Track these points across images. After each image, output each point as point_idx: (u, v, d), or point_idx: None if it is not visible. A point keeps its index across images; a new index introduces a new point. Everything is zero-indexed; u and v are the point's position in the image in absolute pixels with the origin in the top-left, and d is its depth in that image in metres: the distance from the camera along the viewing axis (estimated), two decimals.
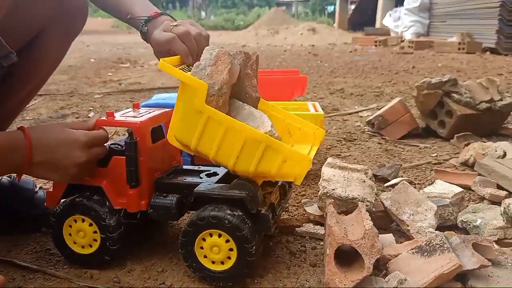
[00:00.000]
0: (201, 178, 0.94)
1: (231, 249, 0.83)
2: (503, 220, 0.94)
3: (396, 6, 9.63)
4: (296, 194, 1.30)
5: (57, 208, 0.91)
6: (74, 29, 1.07)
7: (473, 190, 1.29)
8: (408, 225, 0.99)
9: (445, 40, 6.40)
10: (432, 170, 1.52)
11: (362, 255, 0.78)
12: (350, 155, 1.73)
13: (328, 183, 1.06)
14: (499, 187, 1.26)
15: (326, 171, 1.12)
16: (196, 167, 1.01)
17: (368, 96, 3.06)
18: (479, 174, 1.37)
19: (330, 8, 21.59)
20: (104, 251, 0.90)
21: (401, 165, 1.51)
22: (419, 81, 1.95)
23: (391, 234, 0.96)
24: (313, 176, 1.45)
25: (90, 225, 0.89)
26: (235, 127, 0.80)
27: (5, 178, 1.11)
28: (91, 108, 2.60)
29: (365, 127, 2.16)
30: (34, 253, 0.98)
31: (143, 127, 0.89)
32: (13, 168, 0.83)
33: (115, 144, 0.94)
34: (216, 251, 0.83)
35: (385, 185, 1.37)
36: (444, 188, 1.14)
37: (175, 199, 0.88)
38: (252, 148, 0.80)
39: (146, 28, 1.04)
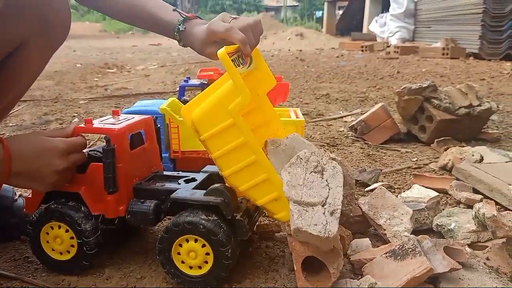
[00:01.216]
0: (179, 184, 0.95)
1: (207, 254, 0.84)
2: (475, 224, 0.96)
3: (382, 12, 9.75)
4: None
5: (33, 215, 0.91)
6: (55, 42, 1.07)
7: (449, 194, 1.31)
8: (384, 229, 1.01)
9: (429, 46, 6.49)
10: (411, 174, 1.55)
11: (326, 263, 0.79)
12: None
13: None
14: (475, 191, 1.29)
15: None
16: (175, 173, 1.02)
17: (353, 101, 3.10)
18: (457, 179, 1.39)
19: (318, 14, 21.75)
20: (82, 257, 0.90)
21: (381, 170, 1.53)
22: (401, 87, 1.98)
23: (367, 239, 0.98)
24: None
25: (67, 231, 0.90)
26: (251, 145, 0.82)
27: None
28: (75, 114, 2.59)
29: (348, 132, 2.19)
30: (13, 261, 0.98)
31: (121, 134, 0.90)
32: None
33: (94, 150, 0.95)
34: (193, 256, 0.85)
35: (366, 189, 1.39)
36: (421, 193, 1.16)
37: (153, 205, 0.89)
38: (255, 172, 0.83)
39: (184, 26, 1.02)
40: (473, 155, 1.51)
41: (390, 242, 0.99)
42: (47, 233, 0.91)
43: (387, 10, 8.85)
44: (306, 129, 2.23)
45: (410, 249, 0.82)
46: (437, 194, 1.15)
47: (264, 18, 13.14)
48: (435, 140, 1.87)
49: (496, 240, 0.94)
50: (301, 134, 1.36)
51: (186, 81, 1.64)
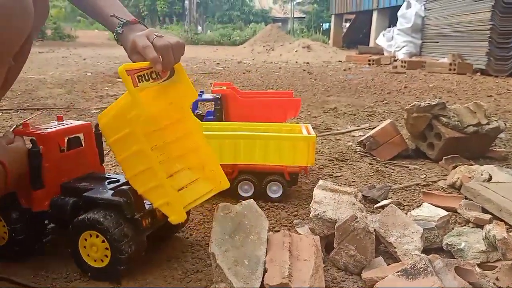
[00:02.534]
0: (103, 184, 1.02)
1: (106, 248, 0.93)
2: (485, 245, 0.98)
3: (390, 26, 9.81)
4: (289, 214, 1.34)
5: None
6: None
7: (458, 213, 1.33)
8: (395, 247, 1.03)
9: (436, 61, 6.52)
10: (420, 192, 1.57)
11: None
12: (341, 175, 1.77)
13: (319, 206, 1.10)
14: (484, 210, 1.31)
15: (317, 193, 1.16)
16: (107, 175, 1.11)
17: (360, 115, 3.12)
18: (466, 197, 1.41)
19: (325, 26, 21.86)
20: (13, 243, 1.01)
21: (390, 186, 1.56)
22: (410, 102, 2.01)
23: (380, 257, 1.00)
24: (305, 196, 1.49)
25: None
26: (146, 153, 0.92)
27: None
28: None
29: (356, 147, 2.21)
30: (32, 270, 1.01)
31: (50, 138, 1.00)
32: None
33: None
34: (95, 250, 0.95)
35: (375, 206, 1.41)
36: (431, 211, 1.18)
37: (71, 201, 0.98)
38: (150, 178, 0.92)
39: (122, 30, 1.10)
40: (481, 174, 1.53)
41: (400, 260, 1.01)
42: None
43: (394, 25, 8.91)
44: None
45: (422, 269, 0.84)
46: (447, 213, 1.17)
47: (272, 29, 13.22)
48: (443, 157, 1.89)
49: (506, 261, 0.96)
50: (312, 151, 1.39)
51: (200, 95, 1.68)
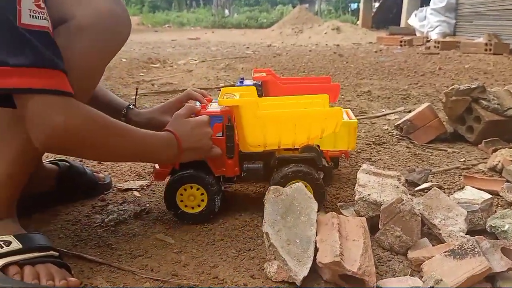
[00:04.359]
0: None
1: (202, 194, 1.18)
2: None
3: (422, 6, 9.54)
4: (331, 197, 1.38)
5: (170, 181, 1.20)
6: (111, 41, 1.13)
7: (501, 196, 1.35)
8: (439, 229, 1.07)
9: (471, 41, 6.34)
10: (461, 175, 1.58)
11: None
12: (380, 159, 1.80)
13: (364, 189, 1.14)
14: None
15: (361, 177, 1.20)
16: None
17: (395, 98, 3.11)
18: (507, 180, 1.42)
19: (353, 6, 21.42)
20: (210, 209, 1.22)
21: (430, 170, 1.58)
22: (446, 84, 2.01)
23: (425, 238, 1.04)
24: (345, 179, 1.53)
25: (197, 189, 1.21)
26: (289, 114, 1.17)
27: (62, 163, 1.38)
28: None
29: (393, 130, 2.22)
30: (98, 247, 1.09)
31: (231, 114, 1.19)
32: (171, 158, 1.09)
33: None
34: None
35: (415, 189, 1.44)
36: (474, 194, 1.21)
37: (261, 164, 1.23)
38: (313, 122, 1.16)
39: (132, 107, 1.39)
40: None
41: (445, 241, 1.04)
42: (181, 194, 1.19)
43: (427, 4, 8.67)
44: None
45: (469, 249, 0.87)
46: (490, 196, 1.19)
47: (300, 11, 13.07)
48: (483, 140, 1.89)
49: None
50: (353, 135, 1.43)
51: (241, 81, 1.72)
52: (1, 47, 0.78)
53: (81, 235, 1.15)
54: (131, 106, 1.39)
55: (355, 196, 1.14)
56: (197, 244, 1.10)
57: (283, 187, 1.12)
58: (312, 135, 1.19)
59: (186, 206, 1.20)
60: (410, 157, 1.83)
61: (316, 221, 1.00)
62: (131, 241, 1.12)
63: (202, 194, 1.19)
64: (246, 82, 1.74)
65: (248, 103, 1.13)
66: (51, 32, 0.84)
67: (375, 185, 1.16)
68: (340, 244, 0.90)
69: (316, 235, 0.96)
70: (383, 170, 1.25)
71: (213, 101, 1.34)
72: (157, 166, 1.21)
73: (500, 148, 1.81)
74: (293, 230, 0.96)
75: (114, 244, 1.10)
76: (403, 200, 1.00)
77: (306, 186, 1.15)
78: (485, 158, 1.78)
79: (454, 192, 1.43)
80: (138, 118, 1.38)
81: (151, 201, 1.36)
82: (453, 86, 1.97)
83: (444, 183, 1.52)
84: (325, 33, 10.12)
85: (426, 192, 1.42)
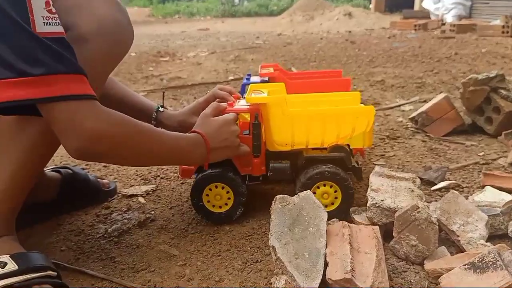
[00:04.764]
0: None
1: (336, 191, 1.15)
2: None
3: None
4: None
5: (196, 179, 1.18)
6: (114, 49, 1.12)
7: None
8: (458, 236, 1.00)
9: (488, 23, 6.14)
10: (480, 171, 1.51)
11: None
12: (394, 155, 1.73)
13: (376, 194, 1.08)
14: None
15: (374, 180, 1.14)
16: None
17: (409, 87, 3.01)
18: None
19: None
20: (236, 208, 1.21)
21: (447, 167, 1.50)
22: (462, 71, 1.92)
23: (443, 247, 0.97)
24: None
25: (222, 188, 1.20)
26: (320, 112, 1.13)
27: (64, 170, 1.34)
28: None
29: (407, 122, 2.14)
30: (100, 261, 1.06)
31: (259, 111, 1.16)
32: (200, 159, 1.09)
33: None
34: (326, 196, 1.15)
35: (432, 188, 1.37)
36: (494, 196, 1.14)
37: (288, 164, 1.19)
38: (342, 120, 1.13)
39: (162, 110, 1.37)
40: None
41: (464, 249, 0.98)
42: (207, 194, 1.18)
43: None
44: None
45: (490, 262, 0.81)
46: None
47: None
48: (503, 132, 1.80)
49: None
50: (370, 133, 1.34)
51: (247, 78, 1.66)
52: (21, 57, 0.76)
53: (84, 247, 1.12)
54: (161, 109, 1.37)
55: (367, 202, 1.08)
56: (203, 256, 1.06)
57: (310, 189, 1.12)
58: (342, 135, 1.14)
59: (212, 205, 1.19)
60: (426, 152, 1.75)
61: (326, 231, 0.94)
62: (134, 253, 1.08)
63: (228, 192, 1.18)
64: (253, 78, 1.68)
65: (276, 101, 1.10)
66: (65, 36, 0.83)
67: (388, 189, 1.10)
68: (351, 258, 0.84)
69: (326, 246, 0.91)
70: (397, 172, 1.18)
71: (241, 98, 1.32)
72: None
73: None
74: (302, 242, 0.90)
75: (117, 257, 1.06)
76: (418, 207, 0.93)
77: (331, 187, 1.14)
78: (505, 152, 1.69)
79: (473, 190, 1.36)
80: (169, 121, 1.36)
81: (156, 208, 1.32)
82: (470, 76, 1.88)
83: (463, 181, 1.44)
84: (337, 19, 9.94)
85: (444, 191, 1.36)
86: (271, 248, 0.90)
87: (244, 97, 1.30)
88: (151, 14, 19.24)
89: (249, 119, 1.20)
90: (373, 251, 0.88)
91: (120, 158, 0.97)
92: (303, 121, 1.12)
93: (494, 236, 1.06)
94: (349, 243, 0.89)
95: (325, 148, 1.21)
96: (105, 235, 1.17)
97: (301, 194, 0.99)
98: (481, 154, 1.69)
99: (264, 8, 17.71)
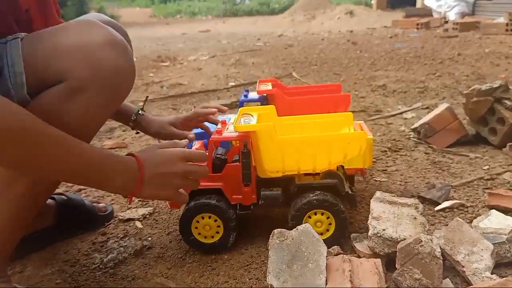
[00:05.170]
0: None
1: (328, 217, 1.12)
2: None
3: None
4: None
5: (185, 210, 1.15)
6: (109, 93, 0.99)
7: None
8: (463, 266, 0.97)
9: (492, 21, 6.08)
10: (485, 188, 1.47)
11: None
12: (396, 170, 1.69)
13: (378, 222, 1.04)
14: None
15: (375, 207, 1.10)
16: None
17: (411, 93, 2.97)
18: None
19: None
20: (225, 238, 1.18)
21: (451, 186, 1.47)
22: (466, 73, 1.88)
23: (448, 279, 0.94)
24: (359, 197, 1.43)
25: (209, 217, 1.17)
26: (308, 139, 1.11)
27: (59, 197, 1.30)
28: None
29: (410, 132, 2.11)
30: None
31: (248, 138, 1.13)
32: (125, 189, 0.87)
33: (218, 155, 1.16)
34: (319, 225, 1.12)
35: (436, 209, 1.34)
36: (500, 222, 1.10)
37: (280, 191, 1.16)
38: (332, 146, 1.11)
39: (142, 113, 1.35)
40: None
41: (469, 280, 0.95)
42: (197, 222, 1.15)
43: None
44: None
45: None
46: None
47: None
48: (508, 144, 1.76)
49: None
50: (370, 152, 1.31)
51: (245, 95, 1.63)
52: None
53: (79, 280, 1.09)
54: (141, 112, 1.34)
55: (368, 230, 1.05)
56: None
57: (302, 219, 1.10)
58: (334, 160, 1.12)
59: (204, 236, 1.17)
60: (429, 166, 1.71)
61: (326, 265, 0.91)
62: (130, 287, 1.05)
63: (216, 221, 1.15)
64: (251, 95, 1.65)
65: (264, 128, 1.07)
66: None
67: (390, 216, 1.07)
68: None
69: (326, 283, 0.88)
70: (399, 198, 1.15)
71: (228, 122, 1.27)
72: None
73: None
74: (300, 280, 0.88)
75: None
76: (421, 240, 0.90)
77: (323, 214, 1.11)
78: (510, 165, 1.66)
79: (478, 210, 1.33)
80: (147, 126, 1.34)
81: (153, 234, 1.30)
82: (474, 87, 1.84)
83: (467, 199, 1.41)
84: (338, 18, 9.89)
85: (448, 212, 1.33)
86: (269, 286, 0.87)
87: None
88: (152, 14, 19.23)
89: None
90: None
91: (7, 156, 0.74)
92: (293, 148, 1.10)
93: (500, 264, 1.02)
94: (350, 280, 0.86)
95: (318, 174, 1.18)
96: (101, 266, 1.14)
97: (299, 227, 0.96)
98: (485, 167, 1.66)
99: (266, 6, 17.65)
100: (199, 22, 13.35)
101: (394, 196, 1.16)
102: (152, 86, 3.73)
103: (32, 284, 1.08)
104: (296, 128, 1.24)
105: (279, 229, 0.96)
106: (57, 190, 1.39)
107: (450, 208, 1.34)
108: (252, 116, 1.18)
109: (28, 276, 1.12)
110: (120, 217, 1.39)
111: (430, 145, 1.92)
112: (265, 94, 1.60)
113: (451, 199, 1.39)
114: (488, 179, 1.55)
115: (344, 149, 1.09)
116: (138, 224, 1.35)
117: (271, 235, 0.95)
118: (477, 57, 4.17)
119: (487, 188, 1.48)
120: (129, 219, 1.38)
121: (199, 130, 1.41)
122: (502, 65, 3.70)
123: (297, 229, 0.96)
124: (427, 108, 2.58)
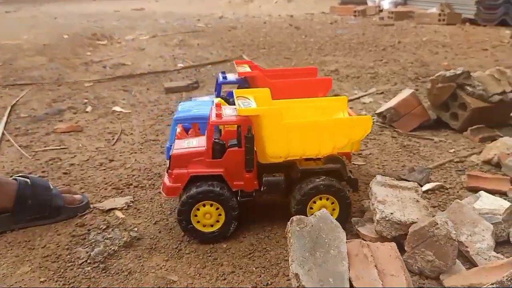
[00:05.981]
0: None
1: (333, 203, 1.11)
2: None
3: None
4: None
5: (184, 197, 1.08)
6: None
7: (509, 197, 1.30)
8: (467, 247, 1.00)
9: (425, 11, 6.40)
10: (458, 170, 1.54)
11: None
12: (370, 154, 1.72)
13: (384, 206, 1.04)
14: None
15: (377, 191, 1.10)
16: None
17: (364, 78, 3.04)
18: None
19: None
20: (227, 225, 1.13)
21: (430, 169, 1.52)
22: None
23: (458, 261, 0.96)
24: None
25: (211, 205, 1.11)
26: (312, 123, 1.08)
27: (22, 179, 1.20)
28: (86, 100, 2.47)
29: (373, 116, 2.15)
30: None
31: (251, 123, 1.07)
32: None
33: (215, 140, 1.10)
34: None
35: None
36: (492, 203, 1.15)
37: (282, 177, 1.12)
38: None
39: None
40: None
41: (474, 260, 0.98)
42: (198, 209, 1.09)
43: None
44: None
45: None
46: (510, 204, 1.13)
47: None
48: (469, 128, 1.85)
49: None
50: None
51: (224, 77, 1.56)
52: None
53: (67, 276, 0.98)
54: None
55: (375, 215, 1.04)
56: (206, 280, 0.97)
57: (307, 205, 1.09)
58: (338, 145, 1.09)
59: (203, 225, 1.11)
60: (399, 150, 1.76)
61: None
62: (127, 282, 0.97)
63: (217, 209, 1.09)
64: (230, 77, 1.58)
65: (272, 112, 1.03)
66: None
67: (394, 200, 1.07)
68: (382, 284, 0.80)
69: (349, 269, 0.86)
70: (399, 181, 1.16)
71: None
72: (166, 180, 1.10)
73: (487, 137, 1.79)
74: (324, 267, 0.85)
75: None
76: (437, 223, 0.91)
77: (327, 199, 1.10)
78: (473, 148, 1.75)
79: (457, 191, 1.38)
80: None
81: (138, 224, 1.20)
82: (439, 73, 1.91)
83: (445, 181, 1.46)
84: (276, 2, 9.90)
85: (430, 193, 1.37)
86: (294, 276, 0.83)
87: (233, 103, 1.21)
88: None
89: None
90: (400, 274, 0.84)
91: None
92: (300, 132, 1.06)
93: (496, 244, 1.07)
94: (375, 266, 0.85)
95: (319, 159, 1.16)
96: (89, 260, 1.04)
97: (317, 213, 0.93)
98: (451, 151, 1.73)
99: None
100: (131, 2, 12.72)
101: (393, 179, 1.16)
102: (92, 66, 3.49)
103: (11, 284, 0.96)
104: (291, 112, 1.21)
105: (298, 216, 0.92)
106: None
107: (432, 190, 1.38)
108: (249, 99, 1.13)
109: (3, 275, 0.99)
110: (99, 207, 1.27)
111: (395, 129, 1.97)
112: (244, 77, 1.54)
113: (432, 182, 1.43)
114: (458, 162, 1.62)
115: (349, 133, 1.07)
116: (119, 214, 1.25)
117: (289, 222, 0.92)
118: (416, 45, 4.37)
119: (459, 170, 1.54)
120: (109, 210, 1.27)
121: (186, 108, 1.33)
122: (441, 53, 3.91)
123: (315, 215, 0.93)
124: (382, 93, 2.65)
